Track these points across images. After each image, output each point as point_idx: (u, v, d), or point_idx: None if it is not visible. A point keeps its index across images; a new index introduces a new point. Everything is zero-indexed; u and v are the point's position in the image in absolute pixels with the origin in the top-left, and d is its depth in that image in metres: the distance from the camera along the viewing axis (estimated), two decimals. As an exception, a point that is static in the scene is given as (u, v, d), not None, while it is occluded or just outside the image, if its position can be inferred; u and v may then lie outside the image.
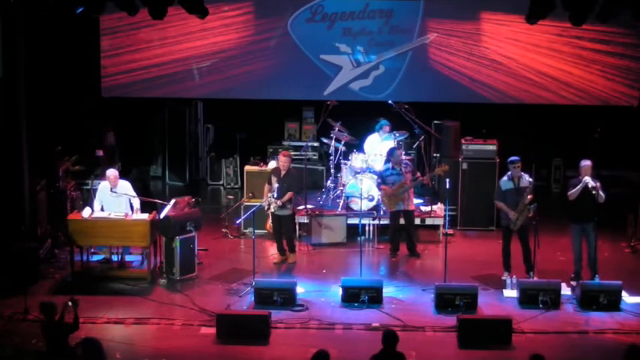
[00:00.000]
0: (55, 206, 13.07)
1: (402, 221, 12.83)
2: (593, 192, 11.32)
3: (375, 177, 13.54)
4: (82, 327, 10.22)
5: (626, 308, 11.02)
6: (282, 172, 12.31)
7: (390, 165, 12.82)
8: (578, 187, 11.41)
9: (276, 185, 12.25)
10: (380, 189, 12.98)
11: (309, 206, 13.83)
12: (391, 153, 12.97)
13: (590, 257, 11.67)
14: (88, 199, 13.57)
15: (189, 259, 11.99)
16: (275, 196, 12.18)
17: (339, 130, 14.23)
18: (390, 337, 8.17)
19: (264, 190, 12.49)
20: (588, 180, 11.35)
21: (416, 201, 13.33)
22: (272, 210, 12.32)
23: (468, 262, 12.56)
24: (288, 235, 12.56)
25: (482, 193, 13.99)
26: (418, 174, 12.95)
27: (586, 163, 11.46)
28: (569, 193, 11.54)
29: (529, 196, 11.53)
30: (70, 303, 8.95)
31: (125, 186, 12.20)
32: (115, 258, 12.36)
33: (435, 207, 13.94)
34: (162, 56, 15.54)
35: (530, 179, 11.70)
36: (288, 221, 12.55)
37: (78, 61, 15.32)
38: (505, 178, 11.71)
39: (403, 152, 13.27)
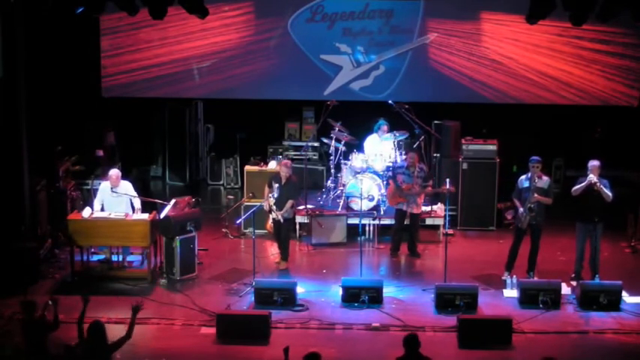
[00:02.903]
0: (55, 206, 13.06)
1: (406, 221, 12.84)
2: (595, 188, 11.34)
3: (376, 177, 13.56)
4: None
5: (626, 308, 11.03)
6: (283, 181, 12.31)
7: (405, 164, 12.81)
8: (583, 184, 11.45)
9: (276, 186, 12.25)
10: (388, 182, 12.97)
11: (309, 206, 13.83)
12: (407, 152, 12.97)
13: (592, 257, 11.67)
14: (88, 199, 13.57)
15: (189, 259, 12.00)
16: (275, 196, 12.18)
17: (339, 130, 14.22)
18: (411, 341, 8.13)
19: (265, 192, 12.49)
20: (592, 178, 11.37)
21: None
22: (273, 215, 12.33)
23: (468, 262, 12.56)
24: (285, 239, 12.51)
25: (483, 193, 14.01)
26: (430, 182, 12.91)
27: (594, 163, 11.49)
28: (572, 189, 11.57)
29: (537, 196, 11.51)
30: (50, 302, 8.97)
31: (126, 186, 12.21)
32: (115, 258, 12.36)
33: (435, 207, 13.95)
34: (163, 56, 15.53)
35: (549, 181, 11.71)
36: (287, 225, 12.52)
37: (78, 61, 15.31)
38: (523, 177, 11.71)
39: (417, 157, 13.09)
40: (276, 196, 12.19)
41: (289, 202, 12.25)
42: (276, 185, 12.24)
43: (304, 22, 15.44)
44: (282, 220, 12.23)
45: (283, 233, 12.42)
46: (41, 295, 10.81)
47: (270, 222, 13.24)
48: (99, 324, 8.36)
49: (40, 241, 12.49)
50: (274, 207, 12.22)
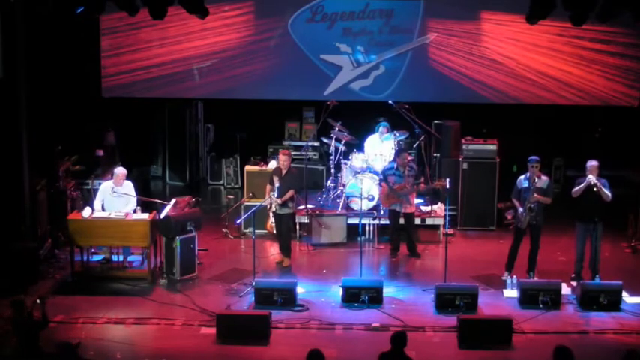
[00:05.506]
0: (55, 206, 13.06)
1: (401, 221, 12.85)
2: (595, 189, 11.35)
3: (376, 177, 13.55)
4: (82, 327, 10.32)
5: (626, 308, 11.03)
6: (283, 172, 12.32)
7: (395, 165, 12.82)
8: (582, 185, 11.46)
9: (277, 185, 12.26)
10: (380, 185, 12.99)
11: (309, 206, 13.82)
12: (397, 153, 13.00)
13: (592, 257, 11.66)
14: (88, 199, 13.57)
15: (189, 259, 11.99)
16: (276, 195, 12.19)
17: (339, 130, 14.23)
18: (397, 338, 8.19)
19: (266, 189, 12.50)
20: (592, 178, 11.38)
21: (416, 201, 13.32)
22: (274, 209, 12.32)
23: (468, 262, 12.56)
24: (286, 236, 12.54)
25: (483, 193, 14.01)
26: (422, 180, 12.93)
27: (592, 163, 11.51)
28: (572, 190, 11.58)
29: (536, 196, 11.51)
30: (38, 301, 8.99)
31: (128, 186, 12.21)
32: (115, 258, 12.36)
33: (435, 207, 13.95)
34: (163, 56, 15.52)
35: (548, 181, 11.71)
36: (288, 221, 12.57)
37: (78, 61, 15.30)
38: (522, 177, 11.71)
39: (410, 156, 13.20)
40: (277, 195, 12.19)
41: (290, 192, 12.25)
42: (277, 185, 12.23)
43: (304, 22, 15.43)
44: (279, 202, 12.15)
45: (284, 229, 12.43)
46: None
47: (270, 222, 13.25)
48: (68, 346, 8.32)
49: (40, 241, 12.49)
50: (274, 196, 12.18)
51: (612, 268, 12.10)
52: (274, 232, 13.01)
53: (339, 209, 13.89)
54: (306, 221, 13.66)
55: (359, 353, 9.85)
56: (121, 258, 12.37)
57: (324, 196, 14.45)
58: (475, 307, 10.91)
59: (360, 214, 12.88)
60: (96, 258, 12.48)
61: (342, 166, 14.17)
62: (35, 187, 12.59)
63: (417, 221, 13.36)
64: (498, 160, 14.05)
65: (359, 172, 13.75)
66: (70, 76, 15.12)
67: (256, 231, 12.28)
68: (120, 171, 12.17)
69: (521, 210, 11.63)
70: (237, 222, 13.17)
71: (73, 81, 15.25)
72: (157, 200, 12.69)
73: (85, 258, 12.20)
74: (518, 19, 13.97)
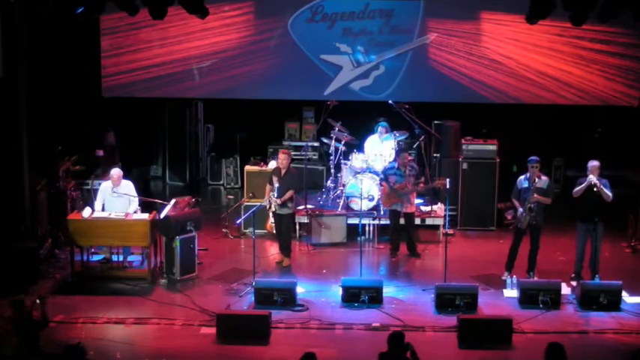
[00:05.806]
0: (55, 206, 13.06)
1: (402, 221, 12.85)
2: (596, 190, 11.35)
3: (376, 177, 13.55)
4: (82, 327, 10.32)
5: (626, 308, 11.03)
6: (282, 171, 12.32)
7: (395, 164, 12.83)
8: (583, 185, 11.47)
9: (276, 185, 12.26)
10: (381, 184, 13.00)
11: (309, 206, 13.83)
12: (397, 153, 13.01)
13: (592, 257, 11.65)
14: (88, 199, 13.57)
15: (189, 259, 11.99)
16: (276, 195, 12.19)
17: (339, 130, 14.23)
18: (394, 338, 8.20)
19: (266, 189, 12.50)
20: (592, 178, 11.38)
21: (416, 201, 13.32)
22: (273, 209, 12.32)
23: (468, 262, 12.56)
24: (286, 236, 12.54)
25: (483, 193, 14.01)
26: (422, 179, 12.94)
27: (593, 163, 11.52)
28: (573, 190, 11.59)
29: (536, 196, 11.52)
30: (37, 301, 9.00)
31: (128, 186, 12.21)
32: (115, 258, 12.36)
33: (435, 207, 13.95)
34: (163, 56, 15.53)
35: (548, 181, 11.71)
36: (288, 221, 12.56)
37: (78, 61, 15.30)
38: (522, 177, 11.72)
39: (410, 155, 13.23)
40: (276, 195, 12.19)
41: (289, 192, 12.25)
42: (276, 184, 12.23)
43: (304, 22, 15.44)
44: (279, 202, 12.16)
45: (284, 229, 12.43)
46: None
47: (270, 222, 13.25)
48: (78, 349, 8.32)
49: (40, 241, 12.49)
50: (273, 196, 12.18)
51: (612, 268, 12.10)
52: (274, 232, 13.02)
53: (339, 209, 13.89)
54: (306, 221, 13.66)
55: (359, 353, 9.85)
56: (121, 258, 12.38)
57: (324, 196, 14.45)
58: (475, 307, 10.91)
59: (360, 214, 12.88)
60: (96, 258, 12.48)
61: (342, 166, 14.17)
62: (35, 187, 12.59)
63: (417, 221, 13.36)
64: (498, 160, 14.05)
65: (359, 172, 13.75)
66: (70, 76, 15.13)
67: (256, 231, 12.29)
68: (115, 172, 12.17)
69: (521, 210, 11.64)
70: (237, 222, 13.17)
71: (73, 81, 15.25)
72: (157, 200, 12.70)
73: (85, 258, 12.20)
74: (518, 19, 13.97)
